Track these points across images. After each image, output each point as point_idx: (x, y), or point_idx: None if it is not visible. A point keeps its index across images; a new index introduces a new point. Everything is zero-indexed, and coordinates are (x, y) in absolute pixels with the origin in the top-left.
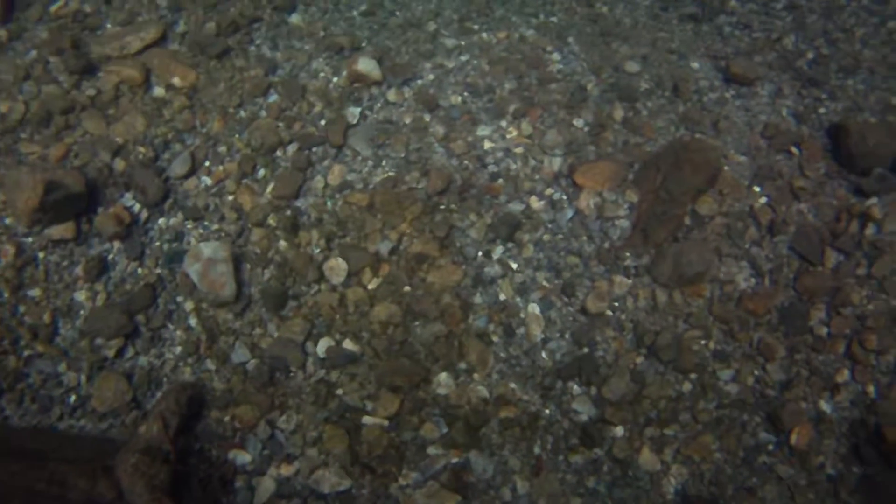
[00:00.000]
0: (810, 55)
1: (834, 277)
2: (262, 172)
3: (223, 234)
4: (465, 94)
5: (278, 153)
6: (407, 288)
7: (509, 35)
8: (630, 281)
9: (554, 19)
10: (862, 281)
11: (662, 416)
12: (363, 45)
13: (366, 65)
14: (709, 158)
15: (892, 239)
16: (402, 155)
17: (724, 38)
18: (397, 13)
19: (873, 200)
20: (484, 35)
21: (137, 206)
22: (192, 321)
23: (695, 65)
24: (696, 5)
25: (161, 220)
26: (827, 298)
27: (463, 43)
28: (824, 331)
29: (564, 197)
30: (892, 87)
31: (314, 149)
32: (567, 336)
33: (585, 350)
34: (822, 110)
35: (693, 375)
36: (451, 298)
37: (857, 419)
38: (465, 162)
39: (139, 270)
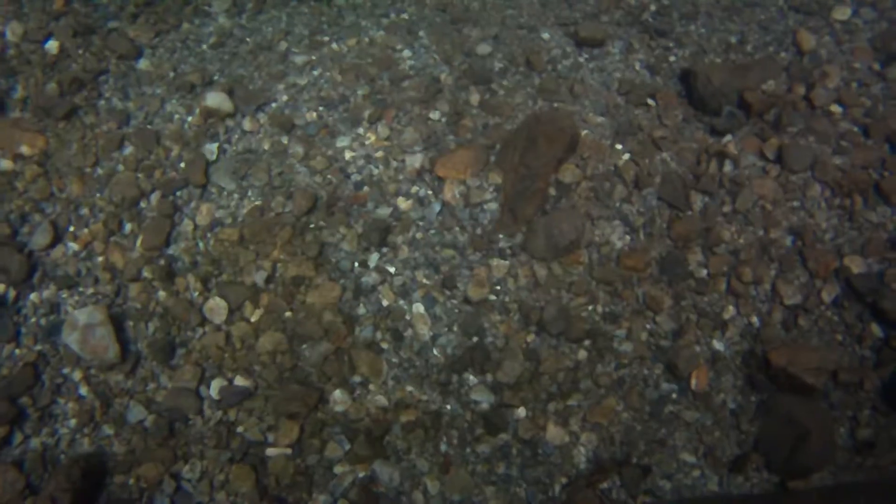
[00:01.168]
0: (653, 7)
1: (703, 219)
2: (128, 227)
3: (100, 297)
4: (320, 108)
5: (142, 204)
6: (288, 313)
7: (359, 41)
8: (507, 262)
9: (405, 16)
10: (729, 217)
11: (563, 388)
12: (215, 78)
13: (214, 99)
14: (562, 127)
15: (749, 172)
16: (266, 182)
17: (570, 5)
18: (247, 39)
19: (728, 138)
20: (334, 45)
21: (2, 287)
22: (83, 390)
23: (545, 35)
24: None
25: (33, 296)
26: (700, 241)
27: (314, 57)
28: (704, 273)
29: (430, 192)
30: (729, 28)
31: (178, 193)
32: (455, 329)
33: (475, 339)
34: (671, 59)
35: (587, 342)
36: (334, 315)
37: (748, 351)
38: (329, 176)
39: (16, 352)
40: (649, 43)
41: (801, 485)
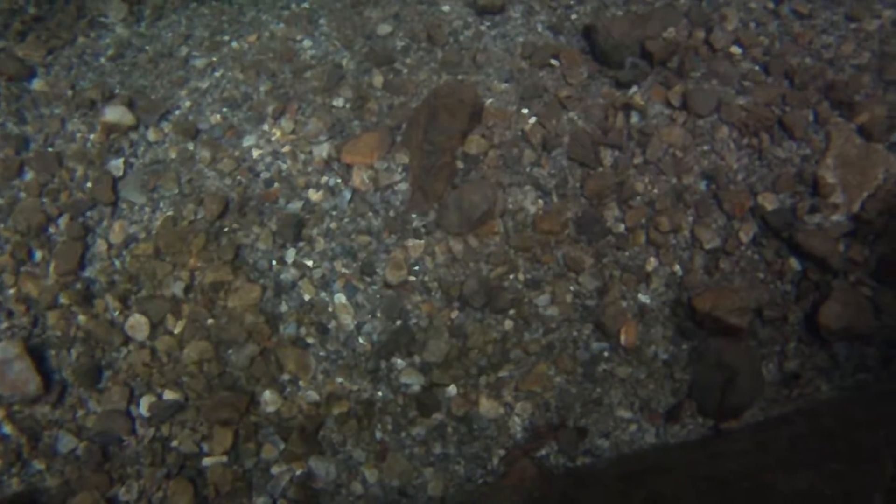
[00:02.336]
0: None
1: (615, 174)
2: (39, 255)
3: (16, 330)
4: (224, 109)
5: (50, 230)
6: (211, 320)
7: (259, 36)
8: (423, 241)
9: (305, 5)
10: (641, 169)
11: (493, 360)
12: (116, 91)
13: (113, 113)
14: (462, 99)
15: (657, 121)
16: (176, 191)
17: None
18: (147, 48)
19: (634, 89)
20: (234, 44)
21: None
22: (7, 429)
23: (446, 8)
24: None
25: None
26: (615, 196)
27: (214, 59)
28: (622, 227)
29: (339, 180)
30: None
31: (88, 214)
32: (378, 315)
33: (399, 323)
34: (573, 17)
35: (511, 311)
36: (256, 316)
37: (674, 300)
38: (238, 177)
39: None
40: (550, 3)
41: (733, 424)
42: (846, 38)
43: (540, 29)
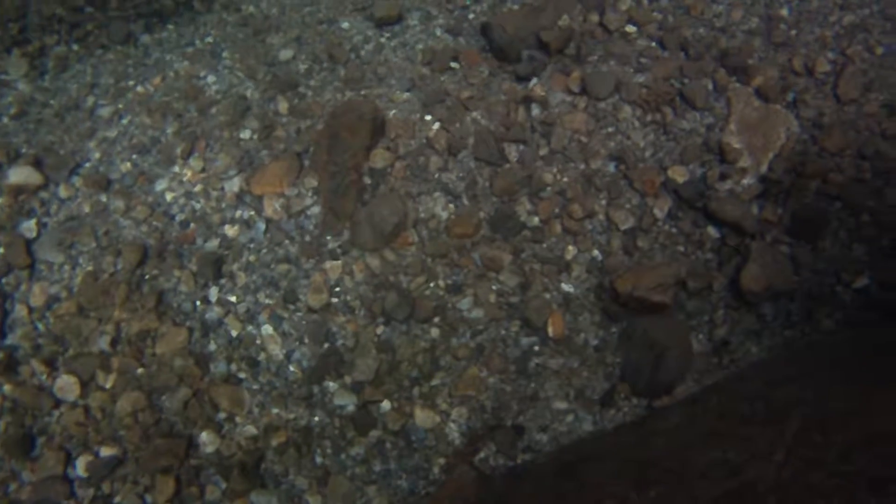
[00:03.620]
0: None
1: (522, 168)
2: None
3: None
4: (134, 156)
5: None
6: (141, 370)
7: (164, 77)
8: (340, 262)
9: (209, 40)
10: (548, 159)
11: (424, 370)
12: (23, 150)
13: (18, 175)
14: (361, 115)
15: (559, 110)
16: (94, 245)
17: None
18: (51, 102)
19: (534, 81)
20: (140, 88)
21: None
22: None
23: (345, 25)
24: None
25: None
26: (525, 190)
27: (121, 105)
28: (536, 220)
29: (252, 212)
30: None
31: (3, 280)
32: (306, 340)
33: (326, 346)
34: (471, 16)
35: (436, 319)
36: (185, 359)
37: (597, 285)
38: (154, 223)
39: None
40: (447, 6)
41: (666, 401)
42: (734, 5)
43: (439, 33)
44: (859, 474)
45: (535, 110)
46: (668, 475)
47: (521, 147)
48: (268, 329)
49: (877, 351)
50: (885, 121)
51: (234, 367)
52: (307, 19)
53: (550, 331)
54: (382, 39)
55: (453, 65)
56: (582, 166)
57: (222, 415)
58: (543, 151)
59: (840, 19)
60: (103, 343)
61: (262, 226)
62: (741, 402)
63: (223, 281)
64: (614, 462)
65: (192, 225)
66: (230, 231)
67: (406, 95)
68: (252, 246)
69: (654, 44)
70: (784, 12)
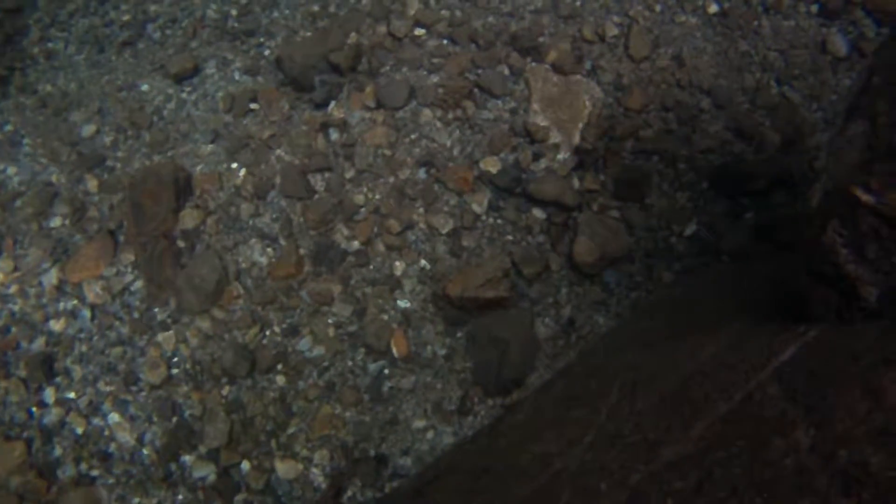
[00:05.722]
0: (234, 11)
1: (332, 195)
2: None
3: None
4: None
5: None
6: None
7: None
8: (172, 331)
9: (9, 128)
10: (356, 181)
11: (278, 420)
12: None
13: None
14: (160, 179)
15: (359, 129)
16: None
17: (160, 44)
18: None
19: (332, 105)
20: None
21: None
22: None
23: (145, 87)
24: (128, 29)
25: None
26: (339, 216)
27: None
28: (356, 244)
29: (75, 301)
30: None
31: None
32: (154, 419)
33: (175, 419)
34: (266, 53)
35: (279, 366)
36: (24, 475)
37: (431, 294)
38: None
39: None
40: (241, 48)
41: (517, 396)
42: None
43: (238, 76)
44: (643, 441)
45: (334, 135)
46: (496, 481)
47: (327, 174)
48: (114, 417)
49: (705, 293)
50: (677, 71)
51: (84, 466)
52: (106, 88)
53: (395, 351)
54: (183, 95)
55: (253, 106)
56: (391, 179)
57: None
58: (350, 174)
59: None
60: None
61: (87, 313)
62: (582, 380)
63: (58, 379)
64: (464, 474)
65: (14, 329)
66: (56, 325)
67: (210, 147)
68: (82, 336)
69: (444, 41)
70: None
